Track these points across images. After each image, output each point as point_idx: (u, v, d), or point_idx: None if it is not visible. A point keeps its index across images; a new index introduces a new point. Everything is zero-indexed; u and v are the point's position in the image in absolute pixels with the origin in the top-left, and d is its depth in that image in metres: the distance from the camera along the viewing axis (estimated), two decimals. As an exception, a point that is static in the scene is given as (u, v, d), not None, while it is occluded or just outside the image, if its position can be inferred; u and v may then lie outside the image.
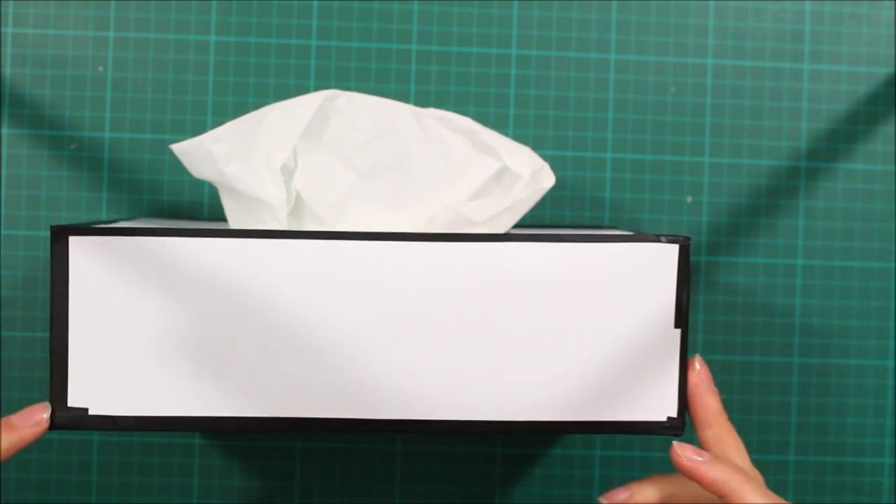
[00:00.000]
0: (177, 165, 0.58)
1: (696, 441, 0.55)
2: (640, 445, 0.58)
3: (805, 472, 0.59)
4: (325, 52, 0.58)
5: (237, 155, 0.46)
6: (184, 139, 0.57)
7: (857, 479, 0.59)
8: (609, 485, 0.58)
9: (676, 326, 0.43)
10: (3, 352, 0.57)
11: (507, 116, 0.58)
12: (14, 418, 0.42)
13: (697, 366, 0.44)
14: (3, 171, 0.57)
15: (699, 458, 0.42)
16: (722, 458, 0.43)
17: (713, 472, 0.42)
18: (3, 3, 0.57)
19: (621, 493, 0.45)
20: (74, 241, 0.42)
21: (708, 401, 0.44)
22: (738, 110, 0.59)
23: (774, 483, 0.59)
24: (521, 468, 0.58)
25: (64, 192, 0.57)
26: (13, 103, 0.57)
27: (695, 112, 0.59)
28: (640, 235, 0.42)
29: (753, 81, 0.59)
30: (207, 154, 0.46)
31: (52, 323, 0.42)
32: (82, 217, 0.57)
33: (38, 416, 0.42)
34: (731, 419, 0.58)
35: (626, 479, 0.58)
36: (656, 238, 0.43)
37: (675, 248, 0.43)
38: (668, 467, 0.57)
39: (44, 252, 0.57)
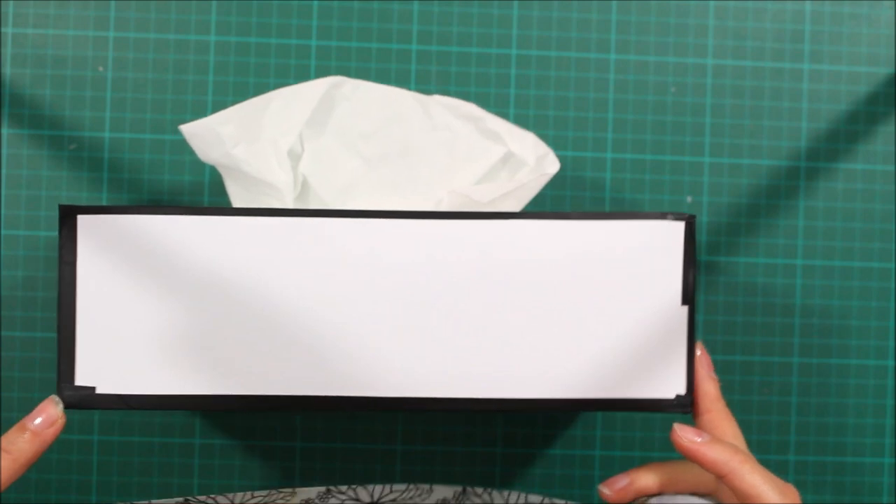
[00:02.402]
0: (177, 165, 0.58)
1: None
2: (640, 445, 0.58)
3: (805, 472, 0.59)
4: (325, 52, 0.58)
5: (244, 137, 0.46)
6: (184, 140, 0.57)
7: (857, 479, 0.59)
8: (609, 485, 0.58)
9: (683, 304, 0.43)
10: (3, 352, 0.57)
11: (507, 116, 0.58)
12: (34, 426, 0.41)
13: (699, 352, 0.44)
14: (3, 171, 0.57)
15: (699, 440, 0.42)
16: (722, 440, 0.43)
17: (713, 452, 0.42)
18: (3, 3, 0.57)
19: (621, 480, 0.46)
20: (83, 220, 0.42)
21: (706, 387, 0.44)
22: (738, 110, 0.59)
23: (774, 483, 0.59)
24: (521, 468, 0.58)
25: (64, 192, 0.57)
26: (13, 103, 0.57)
27: (695, 112, 0.59)
28: (647, 213, 0.42)
29: (753, 81, 0.59)
30: (215, 135, 0.46)
31: (59, 302, 0.42)
32: (82, 217, 0.57)
33: (54, 414, 0.42)
34: (731, 419, 0.59)
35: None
36: (662, 215, 0.43)
37: (681, 225, 0.43)
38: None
39: (44, 252, 0.57)
